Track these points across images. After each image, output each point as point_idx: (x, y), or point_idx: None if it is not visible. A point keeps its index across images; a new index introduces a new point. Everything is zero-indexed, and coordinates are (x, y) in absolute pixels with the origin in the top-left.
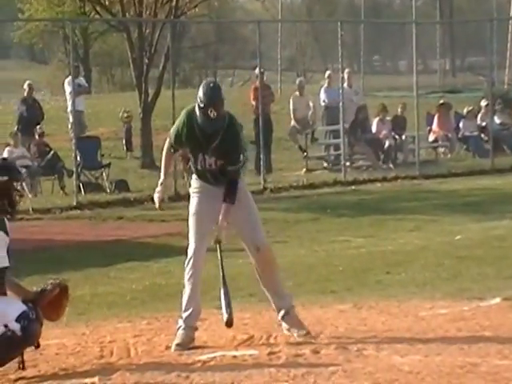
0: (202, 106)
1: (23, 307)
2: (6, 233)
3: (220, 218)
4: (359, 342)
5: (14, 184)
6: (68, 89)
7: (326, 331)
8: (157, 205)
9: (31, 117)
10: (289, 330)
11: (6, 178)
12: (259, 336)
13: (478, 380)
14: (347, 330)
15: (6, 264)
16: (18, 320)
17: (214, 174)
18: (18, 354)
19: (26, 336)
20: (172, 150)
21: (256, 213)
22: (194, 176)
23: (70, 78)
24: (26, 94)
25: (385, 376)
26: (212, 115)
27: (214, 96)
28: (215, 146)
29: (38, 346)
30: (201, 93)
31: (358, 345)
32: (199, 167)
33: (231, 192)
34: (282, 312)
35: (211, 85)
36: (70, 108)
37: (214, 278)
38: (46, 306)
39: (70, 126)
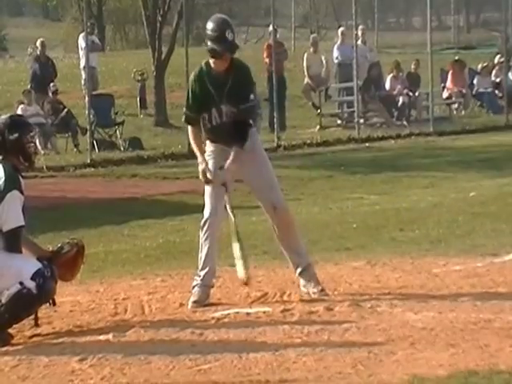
0: (216, 32)
1: (38, 265)
2: (21, 191)
3: (228, 161)
4: (373, 298)
5: (27, 138)
6: (82, 44)
7: (340, 288)
8: (202, 178)
9: (44, 75)
10: (305, 286)
11: (16, 135)
12: (273, 293)
13: (492, 336)
14: (361, 287)
15: (22, 223)
16: (33, 278)
17: (228, 130)
18: (32, 312)
19: (41, 294)
20: (192, 123)
21: (272, 172)
22: (208, 141)
23: (84, 33)
24: (38, 51)
25: (398, 332)
26: (230, 37)
27: (226, 20)
28: (228, 90)
29: (54, 304)
30: (211, 24)
31: (371, 302)
32: (214, 123)
33: (241, 136)
34: (300, 269)
35: (218, 15)
36: (83, 64)
37: (227, 236)
38: (60, 266)
39: (83, 83)
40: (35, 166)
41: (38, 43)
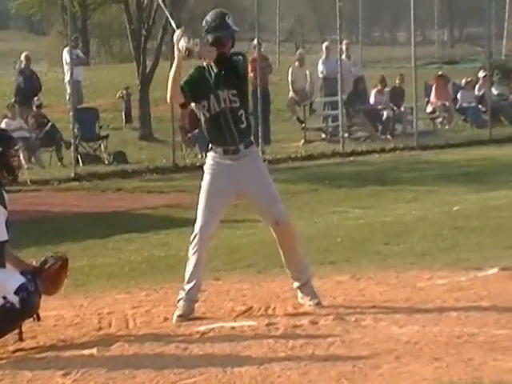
0: (217, 20)
1: (22, 279)
2: (4, 206)
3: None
4: (357, 312)
5: (11, 152)
6: (67, 58)
7: (325, 302)
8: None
9: (29, 88)
10: (302, 298)
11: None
12: (258, 307)
13: (476, 350)
14: (346, 301)
15: (5, 238)
16: (16, 292)
17: (227, 121)
18: (16, 326)
19: (24, 308)
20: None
21: (273, 185)
22: (210, 153)
23: (68, 47)
24: (23, 65)
25: (383, 346)
26: (230, 21)
27: (223, 10)
28: (224, 75)
29: (38, 318)
30: (210, 15)
31: (356, 315)
32: (213, 111)
33: (243, 132)
34: (298, 284)
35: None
36: (67, 78)
37: (214, 249)
38: (44, 280)
39: (68, 97)
40: (19, 180)
41: (23, 57)
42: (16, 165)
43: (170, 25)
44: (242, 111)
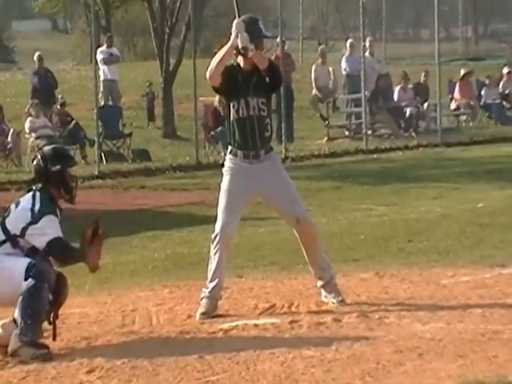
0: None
1: (27, 260)
2: (60, 222)
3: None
4: (381, 309)
5: (69, 171)
6: (99, 57)
7: (348, 300)
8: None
9: (44, 88)
10: (326, 297)
11: (58, 167)
12: (281, 304)
13: (500, 347)
14: (369, 298)
15: (60, 234)
16: (27, 271)
17: (253, 129)
18: (45, 303)
19: (40, 278)
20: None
21: (292, 185)
22: (229, 156)
23: (103, 47)
24: (36, 65)
25: (406, 344)
26: (262, 27)
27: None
28: (256, 83)
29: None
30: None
31: (379, 313)
32: (241, 114)
33: (266, 140)
34: (322, 282)
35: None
36: (102, 77)
37: (236, 247)
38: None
39: (100, 95)
40: (75, 196)
41: (36, 57)
42: (72, 185)
43: (236, 11)
44: (268, 120)
